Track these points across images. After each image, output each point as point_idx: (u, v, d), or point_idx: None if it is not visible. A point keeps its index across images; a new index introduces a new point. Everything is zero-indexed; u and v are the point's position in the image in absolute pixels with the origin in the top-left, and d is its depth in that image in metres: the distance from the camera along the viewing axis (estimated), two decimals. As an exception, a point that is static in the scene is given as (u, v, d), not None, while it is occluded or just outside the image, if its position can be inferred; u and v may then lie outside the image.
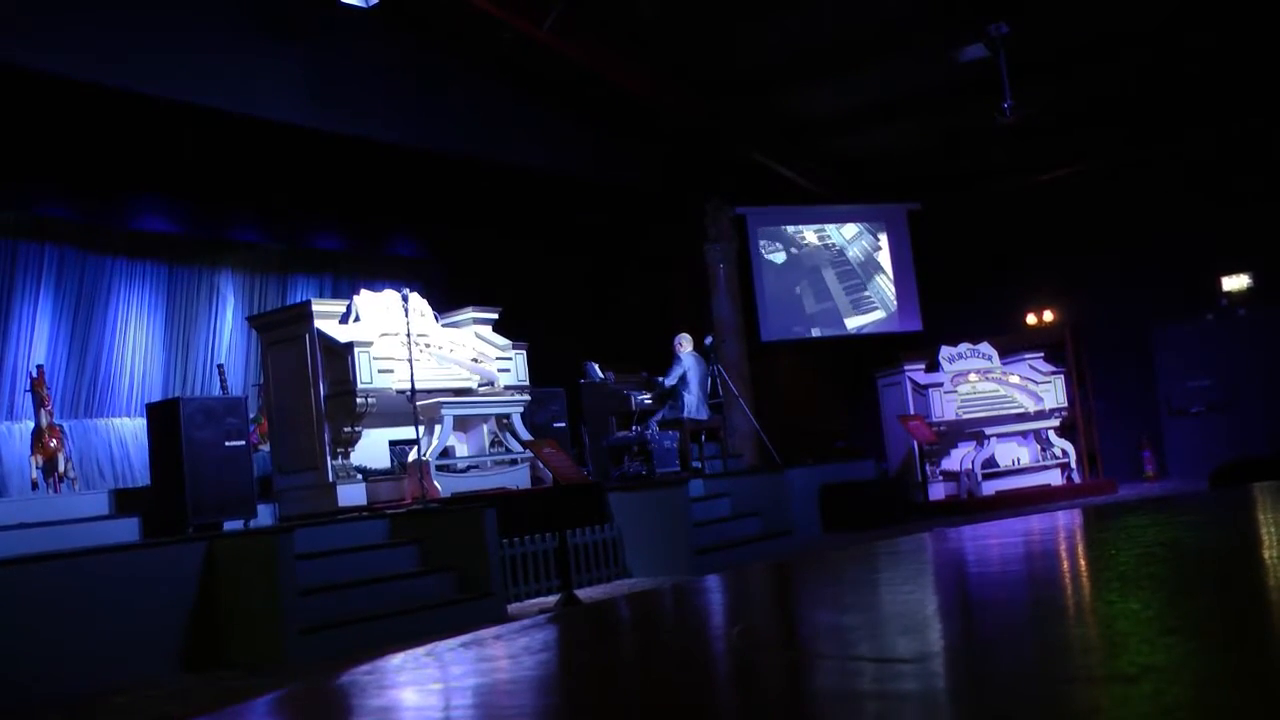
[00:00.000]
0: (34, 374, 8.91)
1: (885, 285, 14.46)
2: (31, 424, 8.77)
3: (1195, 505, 3.06)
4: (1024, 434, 11.87)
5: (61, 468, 8.60)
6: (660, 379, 10.02)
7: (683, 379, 9.83)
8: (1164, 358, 12.69)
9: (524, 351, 9.02)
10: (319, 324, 7.99)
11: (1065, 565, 2.08)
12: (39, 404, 8.67)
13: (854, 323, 14.29)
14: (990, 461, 11.51)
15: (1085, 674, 1.14)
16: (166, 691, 4.97)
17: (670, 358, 10.06)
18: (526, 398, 8.85)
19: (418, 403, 7.70)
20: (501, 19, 9.82)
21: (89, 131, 8.94)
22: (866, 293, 14.40)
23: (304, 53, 9.26)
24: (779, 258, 14.14)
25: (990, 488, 11.33)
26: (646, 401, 9.96)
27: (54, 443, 8.57)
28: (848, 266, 14.39)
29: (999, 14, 10.44)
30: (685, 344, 10.10)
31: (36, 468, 8.56)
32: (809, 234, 14.31)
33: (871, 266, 14.45)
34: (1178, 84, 12.13)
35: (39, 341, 9.51)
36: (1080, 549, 2.24)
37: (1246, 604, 1.41)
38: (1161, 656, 1.15)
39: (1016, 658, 1.24)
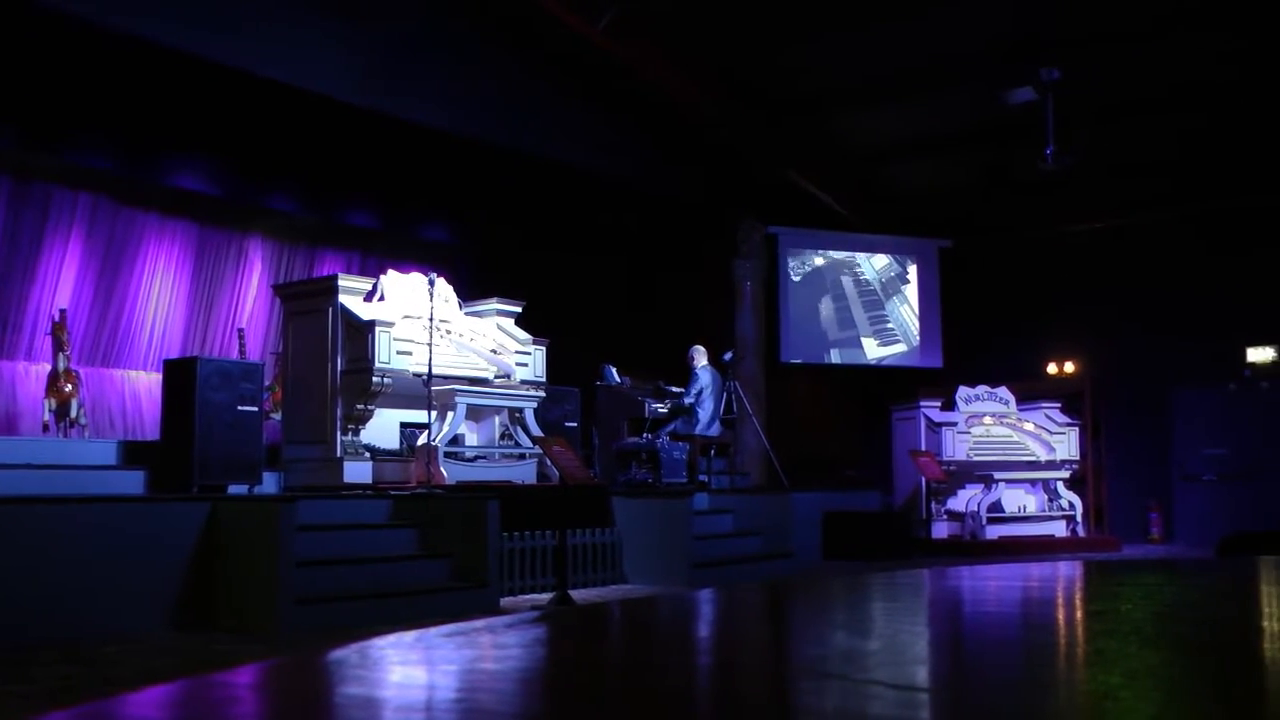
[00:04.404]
0: (56, 317, 8.97)
1: (909, 318, 14.40)
2: (49, 367, 8.83)
3: (1205, 570, 3.03)
4: (1033, 482, 11.79)
5: (74, 413, 8.65)
6: (677, 391, 9.89)
7: (699, 394, 9.68)
8: (1182, 422, 12.57)
9: (544, 348, 9.02)
10: (343, 299, 8.03)
11: (1079, 615, 2.06)
12: (58, 348, 8.73)
13: (875, 353, 14.23)
14: (996, 506, 11.44)
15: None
16: (155, 647, 4.98)
17: (686, 369, 9.94)
18: (541, 394, 8.85)
19: (433, 387, 7.71)
20: (556, 15, 9.84)
21: (132, 85, 8.98)
22: (890, 324, 14.33)
23: (355, 30, 9.30)
24: (806, 280, 14.10)
25: (994, 532, 11.26)
26: (660, 410, 9.89)
27: (69, 388, 8.63)
28: (874, 296, 14.33)
29: (1053, 59, 10.39)
30: (700, 356, 9.86)
31: (50, 410, 8.61)
32: (839, 260, 14.27)
33: (897, 299, 14.39)
34: (1223, 147, 12.04)
35: (64, 286, 9.57)
36: (1091, 601, 2.22)
37: (1268, 666, 1.39)
38: (1180, 710, 1.14)
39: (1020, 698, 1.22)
